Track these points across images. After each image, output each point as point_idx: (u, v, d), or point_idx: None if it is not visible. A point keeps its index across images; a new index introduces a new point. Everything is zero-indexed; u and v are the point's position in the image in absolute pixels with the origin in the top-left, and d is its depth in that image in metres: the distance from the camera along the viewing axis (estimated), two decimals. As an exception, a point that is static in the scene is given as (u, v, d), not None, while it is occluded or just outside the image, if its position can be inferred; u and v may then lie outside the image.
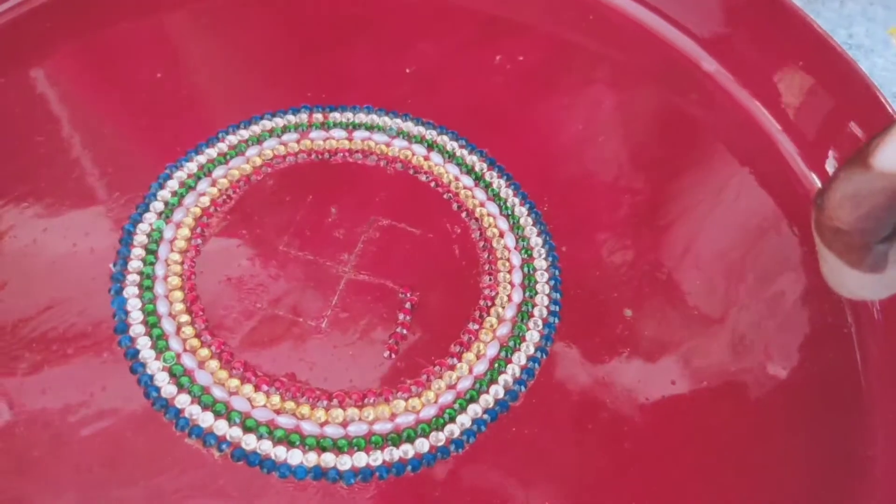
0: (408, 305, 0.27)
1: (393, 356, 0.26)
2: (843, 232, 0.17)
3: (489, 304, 0.27)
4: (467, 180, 0.30)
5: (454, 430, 0.25)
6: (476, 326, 0.27)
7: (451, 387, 0.25)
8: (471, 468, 0.24)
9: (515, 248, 0.29)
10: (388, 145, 0.31)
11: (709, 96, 0.35)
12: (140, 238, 0.27)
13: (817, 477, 0.25)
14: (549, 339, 0.27)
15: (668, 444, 0.25)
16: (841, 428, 0.26)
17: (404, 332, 0.26)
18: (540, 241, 0.29)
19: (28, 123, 0.30)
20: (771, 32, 0.34)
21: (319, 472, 0.23)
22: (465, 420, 0.25)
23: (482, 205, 0.30)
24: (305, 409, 0.24)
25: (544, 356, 0.26)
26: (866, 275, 0.18)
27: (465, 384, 0.25)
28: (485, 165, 0.31)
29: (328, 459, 0.24)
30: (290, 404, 0.24)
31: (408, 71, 0.34)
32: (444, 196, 0.30)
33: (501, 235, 0.29)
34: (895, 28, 0.37)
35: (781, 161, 0.33)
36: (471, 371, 0.26)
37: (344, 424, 0.24)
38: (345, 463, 0.24)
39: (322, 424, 0.24)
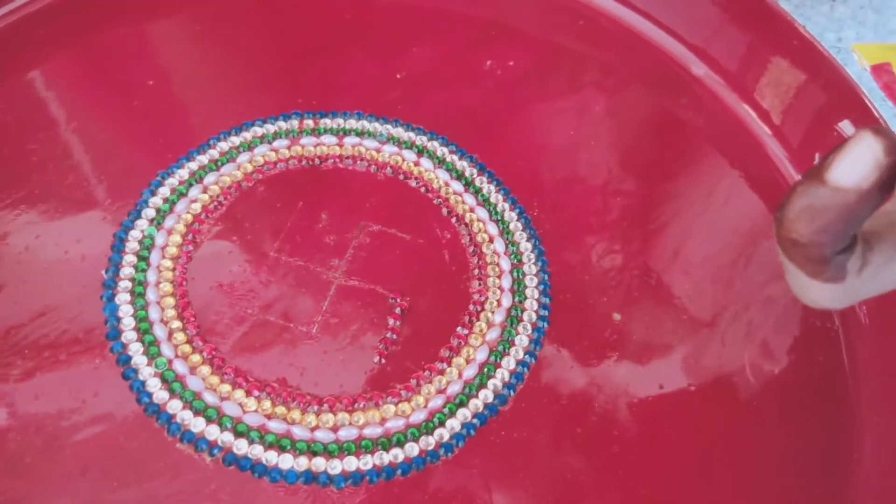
0: (398, 311, 0.27)
1: (383, 361, 0.26)
2: (801, 244, 0.18)
3: (479, 308, 0.28)
4: (457, 185, 0.31)
5: (444, 434, 0.25)
6: (466, 331, 0.27)
7: (440, 391, 0.26)
8: (460, 472, 0.24)
9: (505, 253, 0.29)
10: (378, 151, 0.31)
11: (698, 100, 0.35)
12: (132, 245, 0.28)
13: (805, 478, 0.25)
14: (539, 343, 0.27)
15: (657, 448, 0.25)
16: (829, 430, 0.26)
17: (394, 337, 0.27)
18: (529, 245, 0.29)
19: (21, 130, 0.30)
20: (759, 36, 0.34)
21: (310, 477, 0.24)
22: (454, 424, 0.25)
23: (472, 210, 0.30)
24: (296, 414, 0.25)
25: (533, 360, 0.27)
26: (827, 285, 0.19)
27: (454, 389, 0.26)
28: (475, 171, 0.31)
29: (319, 464, 0.24)
30: (280, 409, 0.25)
31: (399, 76, 0.34)
32: (434, 201, 0.30)
33: (491, 240, 0.29)
34: (860, 44, 0.37)
35: (770, 164, 0.33)
36: (460, 375, 0.26)
37: (334, 429, 0.24)
38: (335, 467, 0.24)
39: (313, 429, 0.24)
